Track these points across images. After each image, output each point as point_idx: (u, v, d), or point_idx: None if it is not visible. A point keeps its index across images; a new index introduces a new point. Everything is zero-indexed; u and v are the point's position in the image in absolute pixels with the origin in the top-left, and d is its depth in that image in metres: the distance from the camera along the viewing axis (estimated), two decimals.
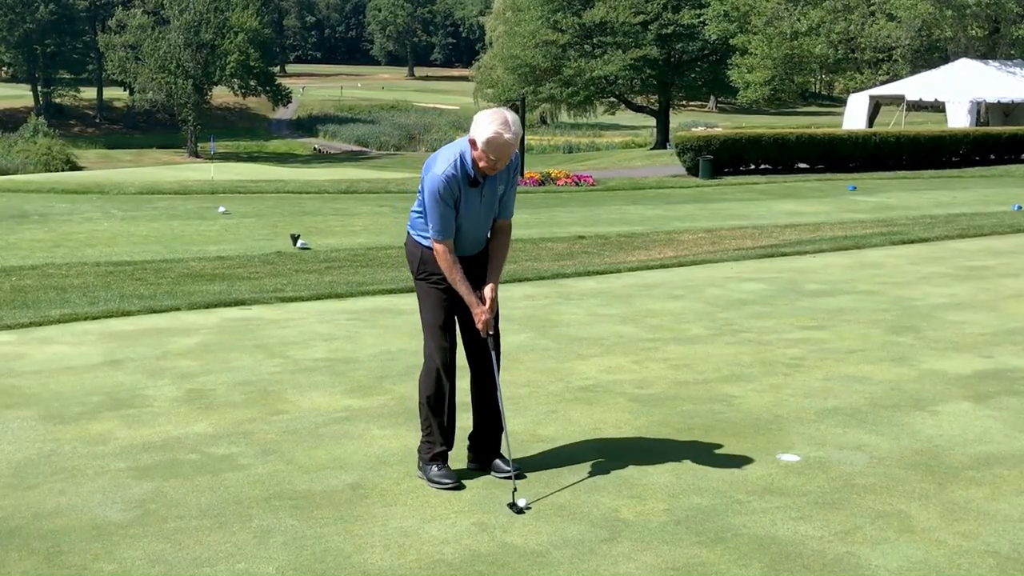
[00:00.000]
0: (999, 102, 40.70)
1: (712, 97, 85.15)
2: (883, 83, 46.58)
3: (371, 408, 5.72)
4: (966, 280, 10.05)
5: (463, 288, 4.50)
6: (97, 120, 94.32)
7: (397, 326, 7.96)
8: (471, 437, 4.86)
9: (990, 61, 43.94)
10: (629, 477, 4.63)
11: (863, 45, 48.92)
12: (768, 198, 24.78)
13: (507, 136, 4.28)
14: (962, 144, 34.93)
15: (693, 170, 31.90)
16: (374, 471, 4.72)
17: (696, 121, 75.79)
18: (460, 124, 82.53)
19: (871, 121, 41.84)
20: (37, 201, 24.76)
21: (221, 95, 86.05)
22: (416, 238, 4.62)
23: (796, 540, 3.97)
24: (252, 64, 78.52)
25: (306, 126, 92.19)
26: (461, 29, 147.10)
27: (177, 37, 73.85)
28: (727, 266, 11.25)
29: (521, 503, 4.30)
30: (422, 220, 4.55)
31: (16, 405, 5.76)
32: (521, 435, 5.23)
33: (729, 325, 7.93)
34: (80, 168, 58.45)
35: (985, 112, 40.95)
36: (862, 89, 45.79)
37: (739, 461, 4.83)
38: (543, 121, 79.03)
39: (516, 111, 34.13)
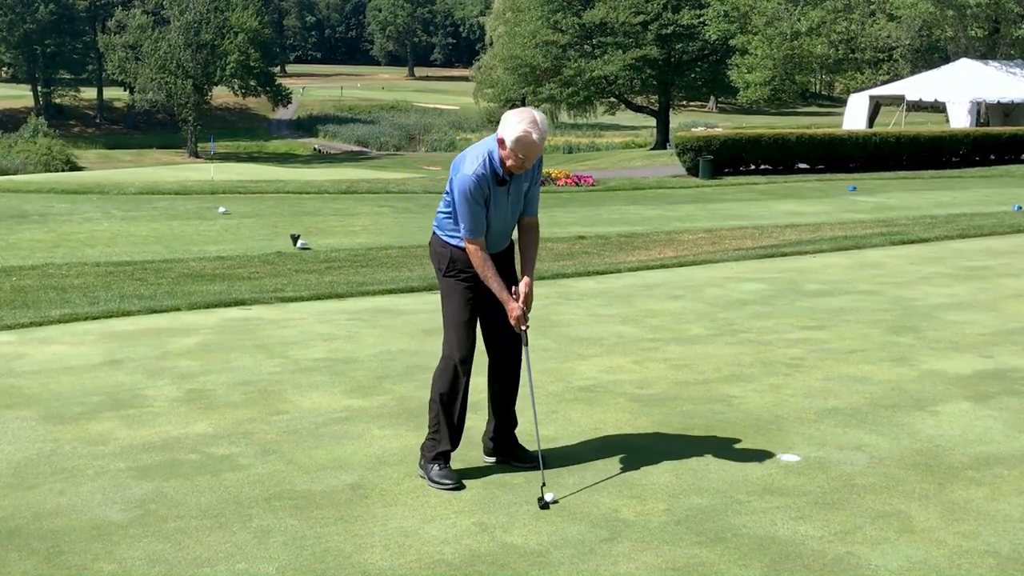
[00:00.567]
0: (999, 102, 40.71)
1: (712, 97, 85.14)
2: (883, 83, 46.58)
3: (371, 408, 5.72)
4: (966, 280, 10.05)
5: (496, 285, 4.53)
6: (97, 120, 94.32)
7: (397, 326, 7.96)
8: (490, 431, 4.88)
9: (990, 61, 43.94)
10: (629, 477, 4.63)
11: (863, 45, 48.93)
12: (768, 198, 24.78)
13: (535, 135, 4.35)
14: (962, 144, 34.93)
15: (693, 170, 31.90)
16: (374, 471, 4.72)
17: (696, 121, 75.80)
18: (460, 124, 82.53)
19: (871, 121, 41.85)
20: (37, 201, 24.76)
21: (221, 95, 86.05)
22: (444, 238, 4.65)
23: (796, 540, 3.97)
24: (252, 64, 78.51)
25: (306, 126, 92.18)
26: (461, 29, 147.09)
27: (177, 37, 73.85)
28: (727, 266, 11.25)
29: (548, 497, 4.35)
30: (449, 220, 4.60)
31: (16, 405, 5.76)
32: (522, 435, 5.22)
33: (729, 325, 7.93)
34: (80, 168, 58.46)
35: (985, 112, 40.96)
36: (862, 89, 45.79)
37: (739, 461, 4.83)
38: None
39: None
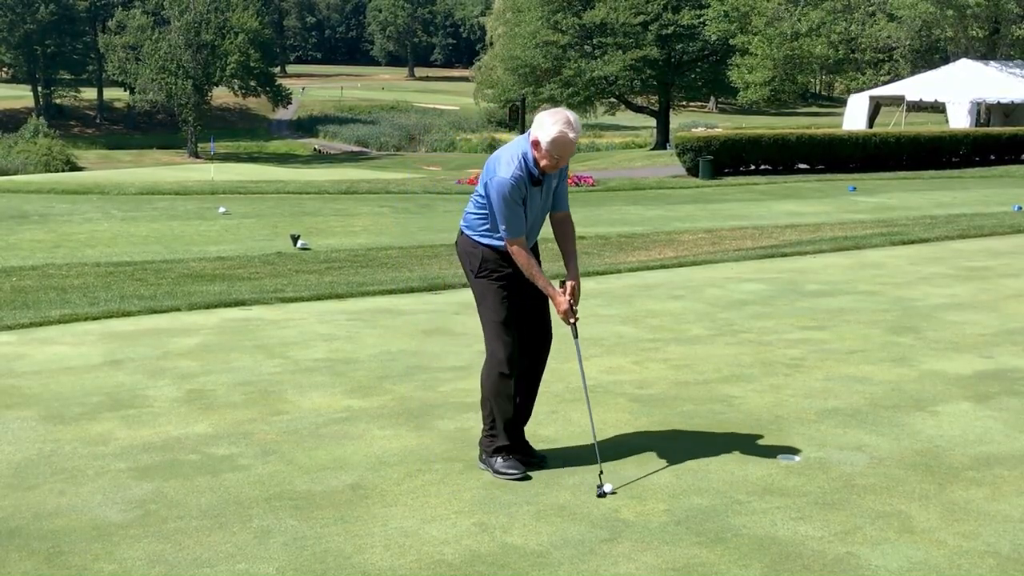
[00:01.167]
0: (999, 103, 40.71)
1: (712, 98, 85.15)
2: (884, 83, 46.59)
3: (371, 408, 5.72)
4: (966, 280, 10.05)
5: (542, 282, 4.64)
6: (97, 121, 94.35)
7: (397, 326, 7.96)
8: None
9: (990, 62, 43.94)
10: (629, 477, 4.63)
11: (864, 45, 48.93)
12: (768, 199, 24.78)
13: (571, 135, 4.44)
14: (962, 144, 34.92)
15: (693, 170, 31.89)
16: (374, 471, 4.72)
17: (696, 122, 75.77)
18: (460, 124, 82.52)
19: (871, 122, 41.84)
20: (37, 202, 24.76)
21: (221, 96, 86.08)
22: (475, 238, 4.70)
23: (796, 540, 3.97)
24: (252, 65, 78.53)
25: (306, 126, 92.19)
26: (461, 30, 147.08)
27: (177, 38, 73.86)
28: (727, 266, 11.25)
29: (607, 488, 4.41)
30: (480, 220, 4.66)
31: (16, 405, 5.76)
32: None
33: (729, 325, 7.93)
34: (80, 169, 58.47)
35: (987, 112, 40.96)
36: (862, 90, 45.80)
37: (739, 461, 4.83)
38: None
39: (516, 112, 33.74)
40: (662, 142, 57.84)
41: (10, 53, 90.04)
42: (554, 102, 62.03)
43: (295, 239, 16.23)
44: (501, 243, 4.62)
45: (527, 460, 4.77)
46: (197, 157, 71.29)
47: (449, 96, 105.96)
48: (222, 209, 22.66)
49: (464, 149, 72.79)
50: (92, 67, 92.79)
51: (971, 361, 6.78)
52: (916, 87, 41.89)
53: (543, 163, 4.50)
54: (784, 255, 12.08)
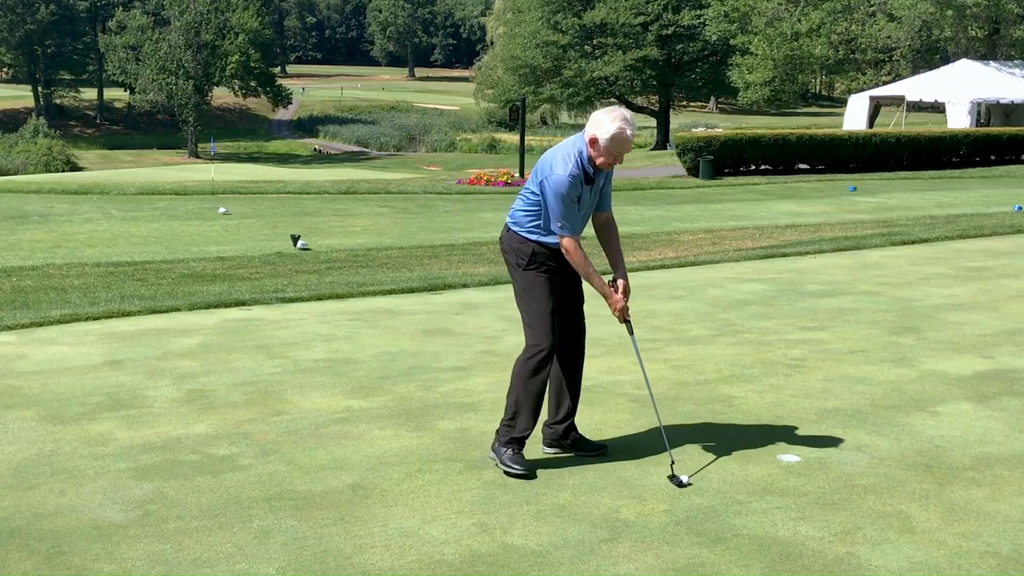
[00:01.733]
0: (999, 103, 40.72)
1: (712, 98, 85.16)
2: (884, 84, 46.59)
3: (371, 408, 5.72)
4: (967, 281, 10.05)
5: (597, 281, 4.75)
6: (97, 121, 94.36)
7: (397, 327, 7.96)
8: (556, 420, 4.96)
9: (990, 62, 43.96)
10: (629, 477, 4.63)
11: (864, 45, 48.94)
12: (768, 199, 24.78)
13: (629, 132, 4.55)
14: (962, 145, 34.93)
15: (693, 171, 31.90)
16: (374, 471, 4.72)
17: (696, 122, 75.80)
18: (460, 125, 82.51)
19: (871, 122, 41.85)
20: (37, 202, 24.76)
21: (221, 96, 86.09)
22: (524, 234, 4.77)
23: (796, 540, 3.97)
24: (252, 65, 78.55)
25: (306, 127, 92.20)
26: (461, 30, 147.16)
27: (178, 38, 73.85)
28: (728, 267, 11.25)
29: (684, 478, 4.50)
30: (530, 218, 4.73)
31: (16, 405, 5.76)
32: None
33: (730, 326, 7.93)
34: (80, 169, 58.51)
35: (987, 112, 40.96)
36: (862, 90, 45.81)
37: (739, 461, 4.83)
38: (543, 122, 79.02)
39: (516, 112, 33.64)
40: (662, 142, 57.86)
41: (10, 53, 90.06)
42: (554, 102, 62.21)
43: (295, 239, 16.23)
44: (550, 240, 4.70)
45: (590, 452, 4.91)
46: (197, 157, 71.31)
47: (449, 96, 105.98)
48: (222, 209, 22.66)
49: (464, 149, 72.81)
50: (92, 67, 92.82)
51: (971, 361, 6.78)
52: (916, 87, 41.90)
53: (599, 160, 4.59)
54: (784, 255, 12.08)
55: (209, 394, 6.01)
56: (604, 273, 4.91)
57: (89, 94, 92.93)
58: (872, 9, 48.90)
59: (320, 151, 78.88)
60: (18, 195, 26.41)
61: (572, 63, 55.61)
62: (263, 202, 24.99)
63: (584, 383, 5.24)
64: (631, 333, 4.86)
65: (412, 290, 9.71)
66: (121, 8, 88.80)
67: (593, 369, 6.53)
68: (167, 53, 73.43)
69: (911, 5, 44.08)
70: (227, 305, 8.87)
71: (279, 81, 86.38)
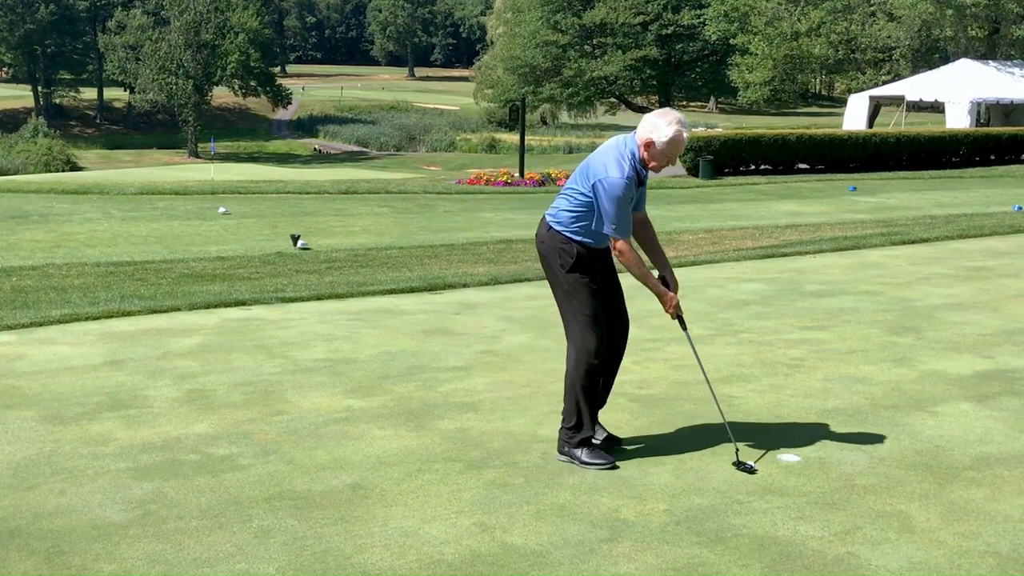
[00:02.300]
0: (999, 102, 40.72)
1: (712, 98, 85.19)
2: (884, 83, 46.59)
3: (371, 408, 5.72)
4: (966, 281, 10.05)
5: (651, 280, 4.84)
6: (97, 120, 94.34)
7: (397, 326, 7.96)
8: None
9: (990, 61, 43.97)
10: (629, 477, 4.63)
11: (863, 45, 48.95)
12: (768, 199, 24.78)
13: (686, 134, 4.66)
14: (962, 144, 34.93)
15: (693, 170, 31.89)
16: (374, 471, 4.72)
17: (696, 122, 75.70)
18: (460, 125, 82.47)
19: (871, 122, 41.86)
20: (37, 201, 24.76)
21: (221, 95, 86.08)
22: (569, 235, 4.79)
23: (796, 540, 3.97)
24: (252, 64, 78.54)
25: (306, 126, 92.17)
26: (461, 29, 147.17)
27: (177, 37, 73.84)
28: (727, 266, 11.25)
29: (750, 463, 4.65)
30: (574, 219, 4.75)
31: (16, 405, 5.76)
32: (521, 435, 5.23)
33: (729, 325, 7.93)
34: (80, 168, 58.49)
35: (986, 112, 40.96)
36: (862, 90, 45.81)
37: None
38: (543, 121, 79.02)
39: (516, 112, 33.57)
40: None
41: (10, 53, 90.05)
42: (554, 102, 62.27)
43: (295, 239, 16.22)
44: (593, 241, 4.75)
45: (609, 444, 4.99)
46: (197, 157, 71.29)
47: (449, 96, 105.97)
48: (222, 209, 22.66)
49: (464, 149, 72.77)
50: (92, 67, 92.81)
51: (971, 361, 6.78)
52: (916, 87, 41.90)
53: (653, 164, 4.65)
54: (784, 255, 12.08)
55: (209, 394, 6.01)
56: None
57: (89, 94, 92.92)
58: (872, 9, 48.92)
59: (320, 151, 78.86)
60: (18, 195, 26.41)
61: (572, 63, 55.68)
62: (263, 202, 25.00)
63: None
64: (684, 329, 4.99)
65: (412, 290, 9.71)
66: (121, 8, 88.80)
67: None
68: (167, 53, 73.41)
69: (911, 5, 44.10)
70: (227, 305, 8.87)
71: (279, 81, 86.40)
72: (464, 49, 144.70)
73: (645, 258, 4.93)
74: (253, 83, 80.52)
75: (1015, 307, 8.66)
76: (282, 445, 5.08)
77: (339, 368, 6.60)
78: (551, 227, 4.81)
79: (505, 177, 29.74)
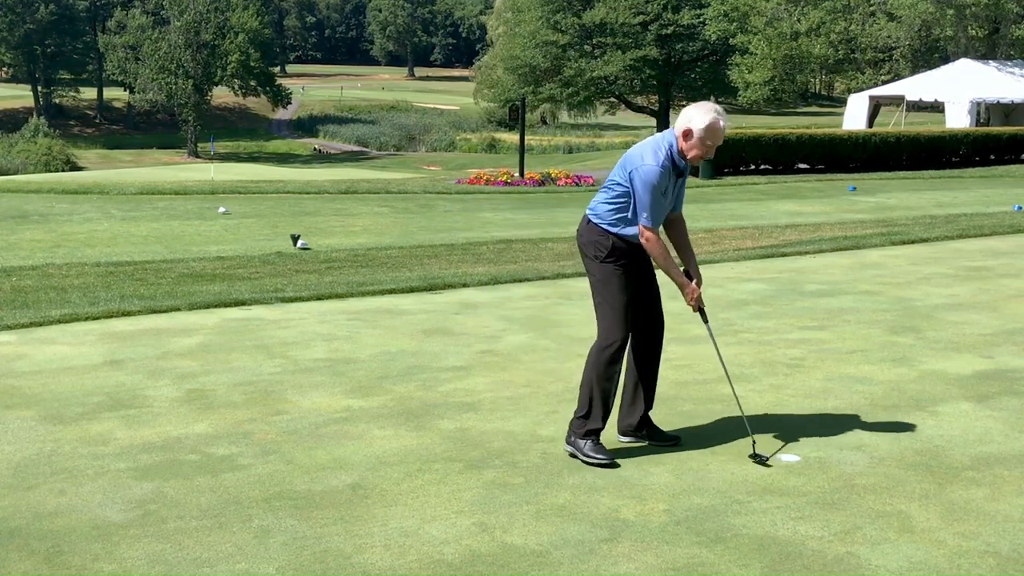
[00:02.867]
0: (999, 102, 40.71)
1: (712, 97, 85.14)
2: (884, 83, 46.60)
3: (371, 408, 5.72)
4: (966, 280, 10.05)
5: (675, 271, 4.87)
6: (97, 120, 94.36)
7: (397, 326, 7.96)
8: (629, 410, 5.09)
9: (990, 61, 43.96)
10: (629, 477, 4.63)
11: (863, 45, 48.96)
12: (768, 198, 24.78)
13: (723, 123, 4.71)
14: (962, 144, 34.92)
15: (693, 170, 31.84)
16: (374, 471, 4.72)
17: None
18: (460, 124, 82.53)
19: (871, 121, 41.84)
20: (37, 201, 24.76)
21: (221, 95, 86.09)
22: (605, 227, 4.87)
23: (796, 540, 3.97)
24: (252, 64, 78.55)
25: (306, 126, 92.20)
26: (461, 29, 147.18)
27: (177, 37, 73.86)
28: (727, 266, 11.25)
29: (766, 456, 4.71)
30: (612, 211, 4.84)
31: (16, 405, 5.76)
32: (521, 435, 5.23)
33: (729, 325, 7.93)
34: (80, 168, 58.49)
35: (986, 112, 40.96)
36: (862, 89, 45.81)
37: (739, 461, 4.83)
38: (543, 121, 79.07)
39: (516, 111, 33.51)
40: None
41: (10, 53, 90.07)
42: (554, 102, 62.27)
43: (295, 239, 16.22)
44: (630, 233, 4.79)
45: (664, 442, 5.00)
46: (197, 157, 71.30)
47: (449, 96, 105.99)
48: (222, 209, 22.65)
49: (464, 149, 72.82)
50: (92, 67, 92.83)
51: (971, 361, 6.78)
52: (916, 87, 41.89)
53: (692, 153, 4.72)
54: (784, 255, 12.08)
55: (209, 394, 6.01)
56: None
57: (89, 94, 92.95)
58: (872, 8, 48.92)
59: (320, 151, 78.88)
60: (18, 195, 26.41)
61: (572, 63, 55.66)
62: (263, 202, 24.99)
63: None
64: (706, 322, 5.05)
65: (412, 290, 9.71)
66: (120, 8, 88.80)
67: None
68: (167, 53, 73.43)
69: (911, 4, 44.09)
70: (227, 305, 8.87)
71: (279, 81, 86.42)
72: (464, 49, 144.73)
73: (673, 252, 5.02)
74: (253, 83, 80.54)
75: (1015, 307, 8.66)
76: (282, 445, 5.08)
77: (339, 368, 6.60)
78: (589, 221, 4.93)
79: (505, 177, 29.74)
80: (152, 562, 3.77)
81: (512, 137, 60.66)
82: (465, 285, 9.93)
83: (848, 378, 6.34)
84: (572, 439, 4.89)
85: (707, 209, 22.27)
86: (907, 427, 5.36)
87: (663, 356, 5.25)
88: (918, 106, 44.20)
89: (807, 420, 5.49)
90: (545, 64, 56.24)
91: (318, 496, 4.41)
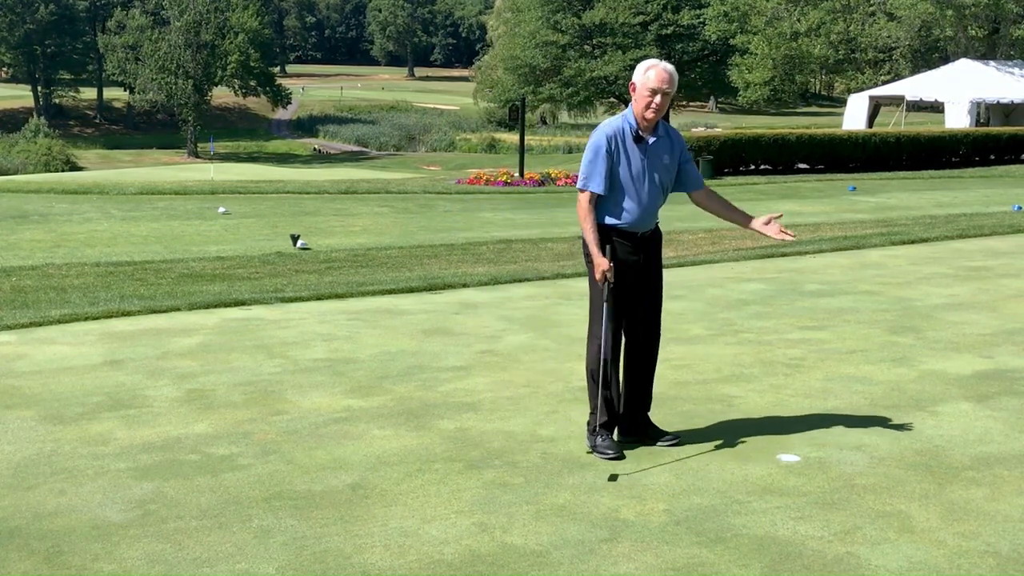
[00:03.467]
0: (999, 102, 40.72)
1: (712, 98, 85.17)
2: (884, 83, 46.60)
3: (371, 408, 5.72)
4: (966, 280, 10.05)
5: (590, 237, 4.81)
6: (97, 120, 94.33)
7: (397, 326, 7.96)
8: (627, 411, 5.11)
9: (990, 61, 43.97)
10: (629, 477, 4.63)
11: (863, 45, 48.96)
12: (768, 198, 24.77)
13: (663, 64, 4.79)
14: (962, 144, 34.93)
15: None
16: (374, 471, 4.72)
17: (696, 122, 75.77)
18: (460, 124, 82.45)
19: (871, 121, 41.85)
20: (37, 201, 24.76)
21: (221, 95, 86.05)
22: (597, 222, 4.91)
23: (796, 540, 3.97)
24: (252, 64, 78.51)
25: (306, 126, 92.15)
26: (461, 29, 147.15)
27: (177, 37, 73.83)
28: (727, 266, 11.25)
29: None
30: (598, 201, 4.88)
31: (16, 405, 5.76)
32: (521, 435, 5.23)
33: (729, 325, 7.93)
34: (80, 168, 58.46)
35: (986, 112, 40.97)
36: (862, 89, 45.82)
37: (739, 461, 4.83)
38: (543, 121, 79.03)
39: (516, 112, 33.51)
40: None
41: (10, 53, 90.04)
42: (554, 102, 62.25)
43: (295, 239, 16.22)
44: (614, 223, 4.84)
45: (664, 442, 5.01)
46: (197, 157, 71.27)
47: (449, 96, 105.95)
48: (222, 209, 22.66)
49: (464, 149, 72.78)
50: (92, 67, 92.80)
51: (971, 361, 6.78)
52: (916, 87, 41.90)
53: (642, 110, 4.76)
54: (784, 255, 12.07)
55: (209, 394, 6.01)
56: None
57: (88, 94, 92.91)
58: (872, 9, 48.92)
59: (320, 151, 78.84)
60: (18, 195, 26.41)
61: (572, 63, 55.64)
62: (263, 202, 24.99)
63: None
64: (605, 300, 4.88)
65: (412, 290, 9.71)
66: (120, 8, 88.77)
67: None
68: (167, 53, 73.38)
69: (911, 5, 44.10)
70: (227, 305, 8.87)
71: (279, 81, 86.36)
72: (464, 49, 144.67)
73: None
74: (253, 83, 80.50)
75: (1015, 307, 8.66)
76: (282, 445, 5.08)
77: (339, 368, 6.60)
78: None
79: (505, 177, 29.74)
80: (152, 562, 3.77)
81: (512, 137, 60.65)
82: (465, 285, 9.93)
83: (848, 378, 6.34)
84: (587, 433, 5.01)
85: None
86: (907, 427, 5.36)
87: (663, 356, 5.25)
88: (918, 106, 44.22)
89: (807, 420, 5.48)
90: (545, 64, 56.23)
91: (318, 496, 4.41)
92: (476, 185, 29.52)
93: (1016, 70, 42.46)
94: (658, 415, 5.57)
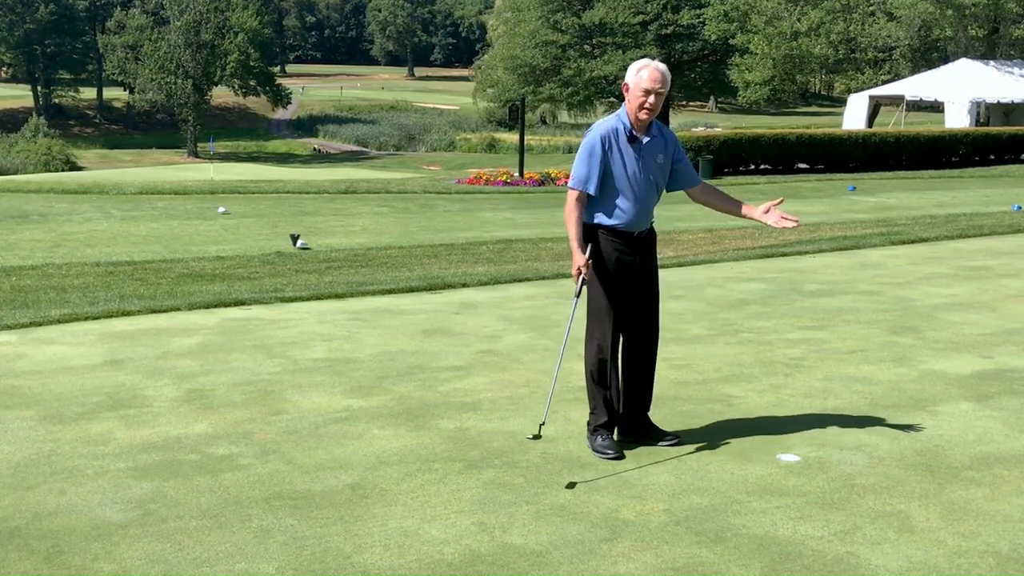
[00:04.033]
0: (999, 102, 40.72)
1: (712, 97, 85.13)
2: (884, 83, 46.60)
3: (371, 408, 5.72)
4: (966, 280, 10.05)
5: (573, 232, 4.83)
6: (97, 120, 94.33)
7: (397, 326, 7.96)
8: (626, 412, 5.10)
9: (990, 61, 43.98)
10: (629, 477, 4.63)
11: (863, 45, 48.96)
12: (768, 198, 24.57)
13: (655, 64, 4.78)
14: (962, 144, 34.95)
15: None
16: (374, 471, 4.72)
17: (696, 121, 75.78)
18: (460, 124, 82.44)
19: (871, 121, 41.87)
20: (37, 201, 24.76)
21: (221, 95, 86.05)
22: (586, 220, 4.95)
23: (796, 540, 3.97)
24: (252, 64, 78.50)
25: (306, 126, 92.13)
26: (461, 29, 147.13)
27: (177, 37, 73.82)
28: (727, 266, 11.25)
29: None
30: (592, 202, 4.90)
31: (16, 405, 5.76)
32: (521, 435, 5.23)
33: (729, 325, 7.93)
34: (80, 168, 58.46)
35: (986, 112, 40.98)
36: (862, 89, 45.83)
37: (739, 461, 4.83)
38: (543, 121, 79.04)
39: (516, 111, 33.53)
40: None
41: (10, 53, 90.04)
42: (554, 102, 62.19)
43: (295, 239, 16.22)
44: (608, 223, 4.87)
45: (664, 442, 5.01)
46: (197, 157, 71.25)
47: (449, 96, 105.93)
48: (222, 209, 22.66)
49: (464, 149, 72.75)
50: (92, 67, 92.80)
51: (971, 361, 6.78)
52: (915, 87, 41.92)
53: (635, 110, 4.77)
54: (784, 255, 12.08)
55: (209, 394, 6.01)
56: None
57: (88, 94, 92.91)
58: (872, 8, 48.92)
59: (320, 151, 78.82)
60: (18, 195, 26.41)
61: (571, 62, 55.60)
62: (263, 202, 25.00)
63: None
64: (576, 296, 4.91)
65: (412, 290, 9.71)
66: (120, 8, 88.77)
67: None
68: (166, 53, 73.37)
69: (911, 4, 44.11)
70: (226, 305, 8.87)
71: (279, 80, 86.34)
72: (464, 49, 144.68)
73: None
74: (253, 83, 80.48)
75: (1015, 307, 8.66)
76: (282, 445, 5.08)
77: (339, 368, 6.60)
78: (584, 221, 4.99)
79: (505, 177, 29.75)
80: (152, 562, 3.77)
81: (512, 137, 60.63)
82: (465, 285, 9.93)
83: (848, 378, 6.34)
84: (588, 433, 5.02)
85: (707, 209, 22.24)
86: (907, 427, 5.36)
87: (663, 356, 5.25)
88: (918, 106, 44.24)
89: (807, 420, 5.48)
90: (545, 64, 56.19)
91: (318, 496, 4.41)
92: (476, 185, 29.53)
93: (1016, 70, 42.47)
94: (658, 415, 5.57)
